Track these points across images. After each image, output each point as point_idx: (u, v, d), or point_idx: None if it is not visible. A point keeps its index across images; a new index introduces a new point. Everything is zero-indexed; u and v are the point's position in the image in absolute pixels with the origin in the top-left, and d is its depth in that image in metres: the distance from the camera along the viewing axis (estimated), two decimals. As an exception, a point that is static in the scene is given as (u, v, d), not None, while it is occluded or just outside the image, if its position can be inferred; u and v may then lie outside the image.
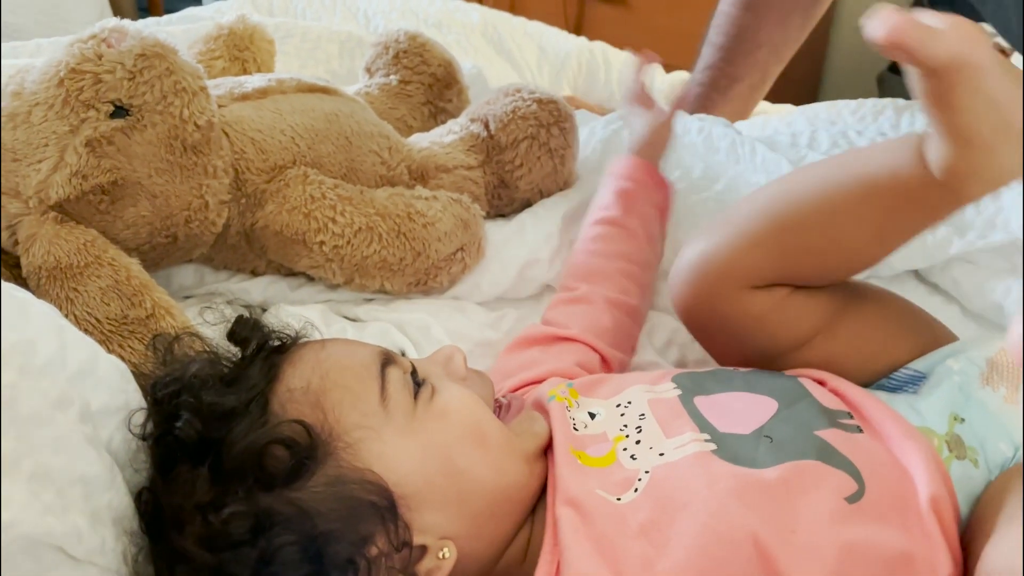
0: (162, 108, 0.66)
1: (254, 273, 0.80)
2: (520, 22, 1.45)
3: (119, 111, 0.65)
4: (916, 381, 0.60)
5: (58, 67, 0.64)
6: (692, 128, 0.93)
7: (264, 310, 0.67)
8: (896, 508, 0.49)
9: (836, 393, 0.58)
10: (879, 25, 0.45)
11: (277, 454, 0.48)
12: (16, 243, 0.66)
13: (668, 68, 1.48)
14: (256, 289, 0.78)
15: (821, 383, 0.59)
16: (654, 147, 0.83)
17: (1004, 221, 0.77)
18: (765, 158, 0.88)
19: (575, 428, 0.56)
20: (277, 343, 0.57)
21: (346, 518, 0.47)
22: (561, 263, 0.81)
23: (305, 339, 0.59)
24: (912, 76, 0.49)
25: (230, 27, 0.93)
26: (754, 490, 0.49)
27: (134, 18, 0.73)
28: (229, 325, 0.58)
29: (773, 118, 1.10)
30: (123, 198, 0.67)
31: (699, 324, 0.65)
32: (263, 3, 1.35)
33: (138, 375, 0.55)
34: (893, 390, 0.61)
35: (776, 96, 1.28)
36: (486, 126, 0.85)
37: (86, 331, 0.61)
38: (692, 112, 1.03)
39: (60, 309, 0.60)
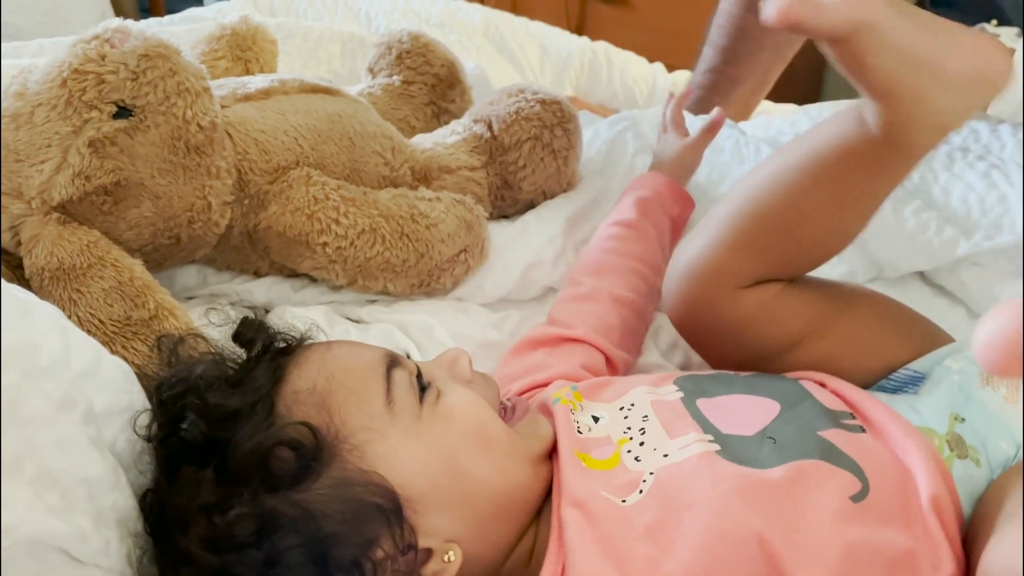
0: (165, 109, 0.66)
1: (257, 274, 0.79)
2: (522, 22, 1.45)
3: (122, 112, 0.65)
4: (915, 382, 0.60)
5: (61, 67, 0.64)
6: (696, 129, 0.93)
7: (268, 311, 0.67)
8: (899, 507, 0.49)
9: (837, 394, 0.58)
10: (770, 8, 0.45)
11: (283, 456, 0.48)
12: (19, 244, 0.66)
13: (670, 68, 1.48)
14: (259, 290, 0.78)
15: (822, 385, 0.59)
16: (679, 168, 0.86)
17: (1010, 223, 0.77)
18: (769, 158, 0.87)
19: (579, 431, 0.56)
20: (282, 345, 0.57)
21: (351, 520, 0.47)
22: (565, 265, 0.81)
23: (310, 341, 0.58)
24: (821, 46, 0.50)
25: (233, 27, 0.92)
26: (758, 490, 0.49)
27: (136, 18, 0.73)
28: (234, 326, 0.58)
29: (776, 118, 1.10)
30: (126, 199, 0.66)
31: (693, 330, 0.65)
32: (264, 3, 1.36)
33: (142, 376, 0.55)
34: (893, 391, 0.61)
35: (779, 95, 1.28)
36: (489, 127, 0.85)
37: (89, 332, 0.60)
38: (694, 115, 1.03)
39: (63, 310, 0.60)
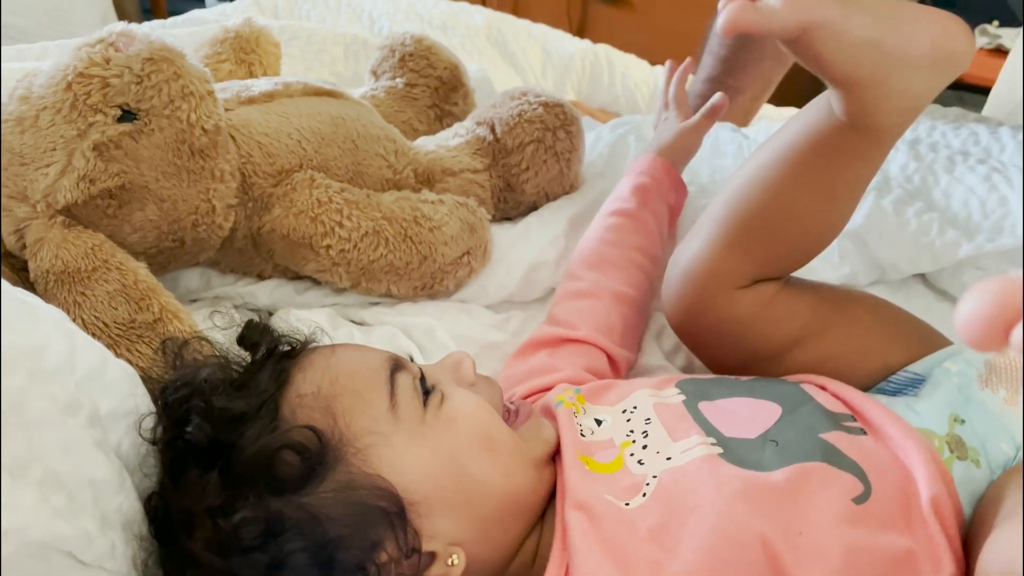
0: (169, 112, 0.66)
1: (260, 277, 0.80)
2: (524, 24, 1.45)
3: (127, 115, 0.65)
4: (915, 384, 0.61)
5: (66, 71, 0.64)
6: (698, 112, 0.92)
7: (271, 314, 0.67)
8: (900, 509, 0.50)
9: (837, 397, 0.58)
10: (721, 20, 0.46)
11: (288, 459, 0.48)
12: (24, 247, 0.66)
13: (672, 70, 1.48)
14: (262, 293, 0.78)
15: (822, 388, 0.59)
16: (678, 151, 0.84)
17: (1012, 225, 0.77)
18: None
19: (582, 434, 0.57)
20: (287, 348, 0.57)
21: (356, 524, 0.47)
22: (567, 266, 0.81)
23: (315, 344, 0.59)
24: (779, 43, 0.51)
25: (236, 30, 0.93)
26: (762, 492, 0.49)
27: (138, 20, 0.73)
28: (238, 329, 0.58)
29: (777, 123, 1.10)
30: (130, 202, 0.67)
31: (692, 333, 0.66)
32: (268, 5, 1.36)
33: (147, 379, 0.55)
34: (893, 393, 0.61)
35: (780, 99, 1.29)
36: (492, 129, 0.85)
37: (94, 335, 0.61)
38: None
39: (68, 313, 0.60)
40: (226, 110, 0.74)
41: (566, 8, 2.13)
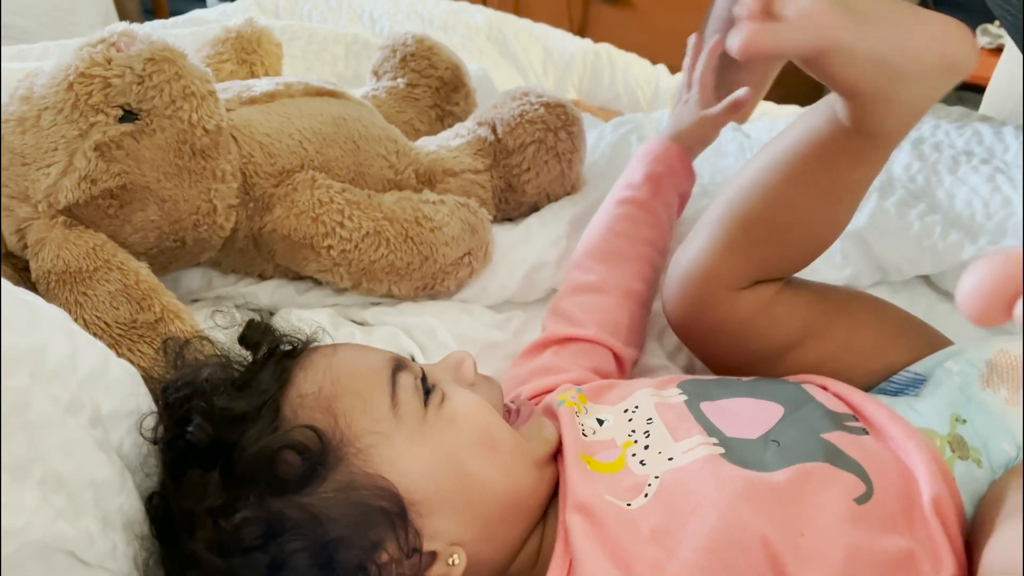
0: (171, 112, 0.66)
1: (262, 277, 0.80)
2: (525, 24, 1.45)
3: (128, 115, 0.65)
4: (916, 384, 0.61)
5: (67, 71, 0.64)
6: (720, 104, 0.91)
7: (272, 314, 0.67)
8: (902, 509, 0.50)
9: (839, 397, 0.58)
10: (735, 41, 0.46)
11: (289, 459, 0.48)
12: (25, 247, 0.66)
13: (673, 69, 1.48)
14: (264, 293, 0.78)
15: (823, 388, 0.59)
16: (694, 139, 0.83)
17: (1015, 226, 0.76)
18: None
19: (584, 434, 0.57)
20: (288, 347, 0.57)
21: (357, 524, 0.47)
22: (575, 253, 0.79)
23: (316, 344, 0.59)
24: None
25: (237, 30, 0.93)
26: (763, 493, 0.49)
27: (139, 20, 0.73)
28: (240, 329, 0.58)
29: (780, 120, 1.10)
30: (132, 202, 0.67)
31: (693, 333, 0.66)
32: (269, 5, 1.36)
33: (148, 379, 0.56)
34: (894, 393, 0.61)
35: (781, 97, 1.28)
36: (493, 130, 0.85)
37: (95, 335, 0.60)
38: None
39: (69, 313, 0.60)
40: (227, 110, 0.74)
41: (567, 8, 2.13)
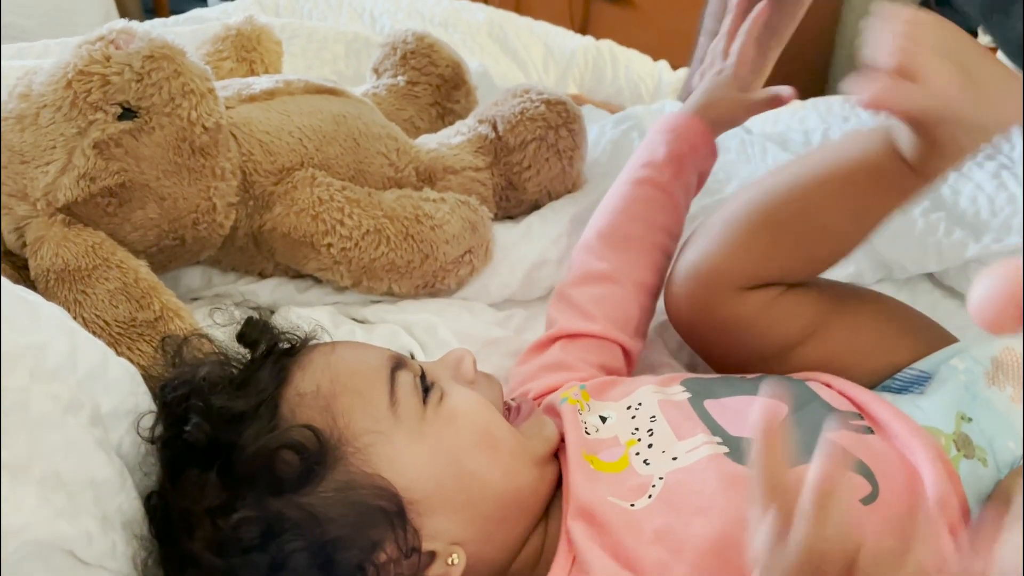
0: (170, 110, 0.66)
1: (262, 275, 0.79)
2: (526, 22, 1.45)
3: (127, 113, 0.65)
4: (921, 381, 0.60)
5: (66, 69, 0.64)
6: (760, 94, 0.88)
7: (272, 312, 0.66)
8: (908, 509, 0.49)
9: (843, 395, 0.58)
10: (863, 91, 0.48)
11: (287, 459, 0.48)
12: (24, 245, 0.66)
13: (674, 67, 1.47)
14: (264, 291, 0.78)
15: (827, 386, 0.59)
16: (723, 120, 0.77)
17: (1019, 224, 0.76)
18: (776, 157, 0.87)
19: (587, 432, 0.56)
20: (287, 346, 0.57)
21: (356, 524, 0.47)
22: (586, 231, 0.76)
23: (315, 342, 0.58)
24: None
25: (237, 28, 0.92)
26: None
27: (140, 19, 0.72)
28: (239, 327, 0.58)
29: (784, 114, 1.09)
30: (131, 200, 0.66)
31: (695, 330, 0.66)
32: (269, 3, 1.35)
33: (148, 378, 0.55)
34: (898, 391, 0.61)
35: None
36: (494, 127, 0.85)
37: (94, 333, 0.60)
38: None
39: (68, 312, 0.60)
40: (227, 108, 0.73)
41: (568, 6, 2.12)
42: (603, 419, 0.57)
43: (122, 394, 0.52)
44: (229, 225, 0.73)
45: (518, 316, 0.79)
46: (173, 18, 1.25)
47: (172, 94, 0.66)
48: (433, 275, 0.76)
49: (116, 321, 0.63)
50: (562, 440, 0.56)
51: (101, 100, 0.64)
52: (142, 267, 0.66)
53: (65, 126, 0.63)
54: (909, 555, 0.38)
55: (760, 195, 0.62)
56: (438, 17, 1.38)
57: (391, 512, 0.48)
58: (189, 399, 0.51)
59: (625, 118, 0.99)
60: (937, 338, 0.63)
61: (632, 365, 0.71)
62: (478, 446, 0.52)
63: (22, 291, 0.51)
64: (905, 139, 0.56)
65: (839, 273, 0.77)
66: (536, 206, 0.87)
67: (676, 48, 1.49)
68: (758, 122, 1.06)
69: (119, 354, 0.58)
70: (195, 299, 0.79)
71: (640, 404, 0.58)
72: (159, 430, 0.52)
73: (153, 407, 0.53)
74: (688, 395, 0.58)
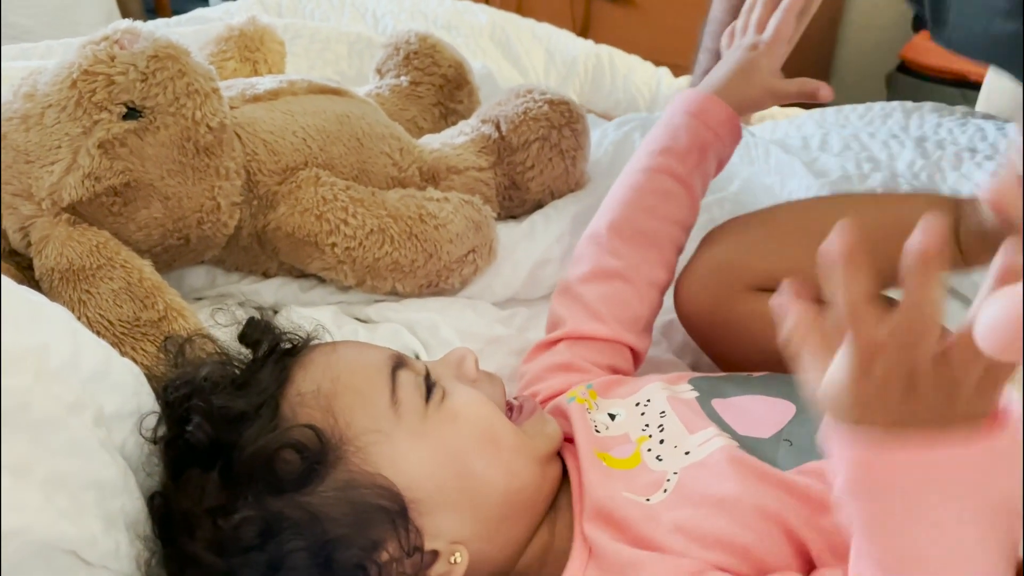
0: (175, 110, 0.66)
1: (265, 275, 0.79)
2: (528, 24, 1.45)
3: (132, 113, 0.65)
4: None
5: (71, 69, 0.64)
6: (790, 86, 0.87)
7: (275, 312, 0.66)
8: None
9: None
10: (989, 196, 0.46)
11: (287, 458, 0.48)
12: (29, 245, 0.66)
13: (675, 68, 1.47)
14: (267, 291, 0.78)
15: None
16: (748, 103, 0.73)
17: (1019, 224, 0.76)
18: (779, 159, 0.87)
19: (596, 430, 0.56)
20: (288, 345, 0.57)
21: (357, 523, 0.47)
22: (597, 217, 0.74)
23: (316, 341, 0.58)
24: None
25: (241, 28, 0.92)
26: (780, 487, 0.49)
27: (142, 19, 0.72)
28: (241, 327, 0.58)
29: (783, 122, 1.10)
30: (135, 200, 0.66)
31: (706, 326, 0.65)
32: (271, 3, 1.35)
33: (151, 378, 0.55)
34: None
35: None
36: (497, 127, 0.85)
37: (98, 333, 0.60)
38: None
39: (73, 311, 0.60)
40: (231, 108, 0.73)
41: (569, 6, 2.12)
42: (612, 416, 0.57)
43: (125, 395, 0.52)
44: (233, 225, 0.73)
45: (521, 315, 0.79)
46: (175, 18, 1.25)
47: (177, 94, 0.66)
48: (437, 274, 0.76)
49: (120, 321, 0.63)
50: (572, 440, 0.56)
51: (106, 100, 0.64)
52: (146, 266, 0.66)
53: (70, 126, 0.63)
54: None
55: (810, 207, 0.62)
56: (441, 19, 1.38)
57: (393, 511, 0.48)
58: (190, 399, 0.51)
59: (628, 120, 0.99)
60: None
61: (640, 360, 0.70)
62: (480, 445, 0.52)
63: (25, 291, 0.51)
64: (982, 222, 0.55)
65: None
66: (539, 205, 0.87)
67: (677, 47, 1.49)
68: (758, 129, 1.06)
69: (123, 354, 0.58)
70: (199, 299, 0.79)
71: (649, 400, 0.57)
72: (161, 430, 0.52)
73: (156, 408, 0.53)
74: (696, 394, 0.58)
